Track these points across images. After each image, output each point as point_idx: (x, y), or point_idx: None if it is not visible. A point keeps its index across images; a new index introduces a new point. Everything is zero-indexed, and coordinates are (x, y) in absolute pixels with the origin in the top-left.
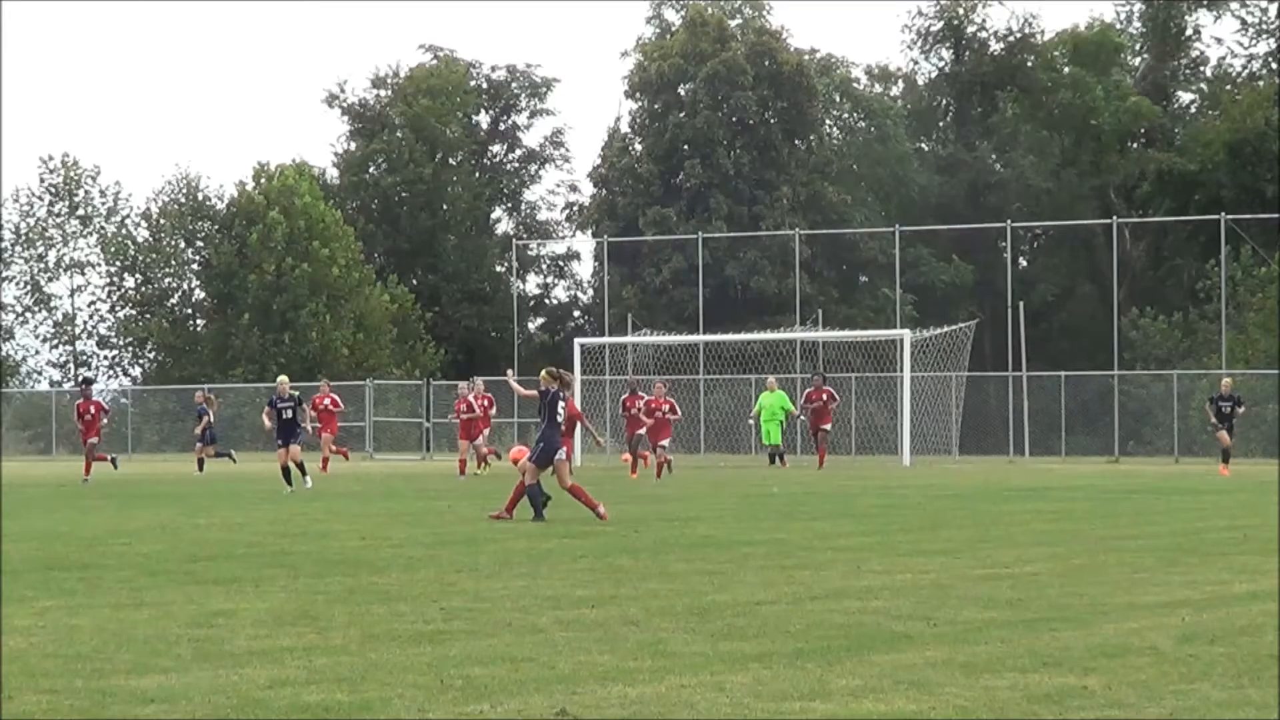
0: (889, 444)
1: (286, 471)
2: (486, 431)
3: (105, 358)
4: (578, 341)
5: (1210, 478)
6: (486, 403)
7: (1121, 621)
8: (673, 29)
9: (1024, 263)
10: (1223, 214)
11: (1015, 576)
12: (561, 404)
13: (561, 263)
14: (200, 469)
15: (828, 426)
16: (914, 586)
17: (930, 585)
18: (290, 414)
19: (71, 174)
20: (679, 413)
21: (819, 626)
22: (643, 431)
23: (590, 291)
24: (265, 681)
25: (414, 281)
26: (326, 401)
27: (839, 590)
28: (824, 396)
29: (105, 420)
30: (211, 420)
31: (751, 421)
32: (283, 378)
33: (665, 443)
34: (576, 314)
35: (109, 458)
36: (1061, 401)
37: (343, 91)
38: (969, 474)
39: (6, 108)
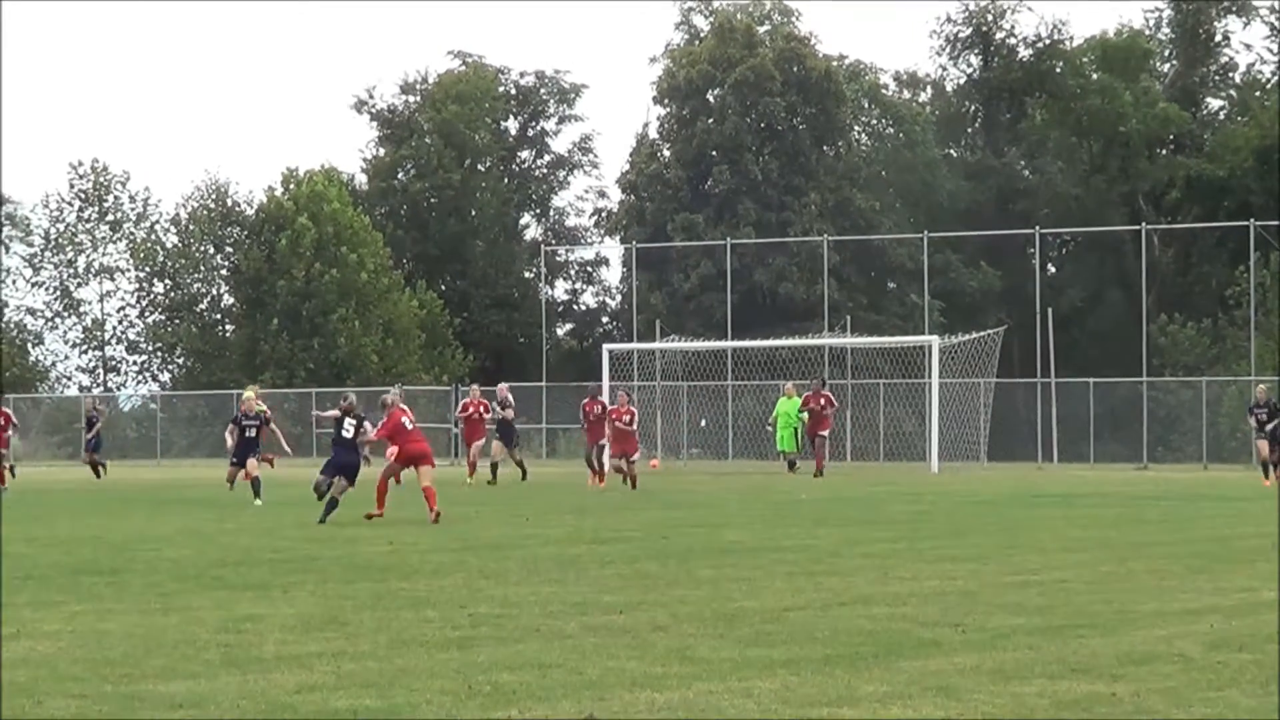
0: (917, 450)
1: (232, 482)
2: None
3: (134, 363)
4: (606, 347)
5: (1240, 485)
6: (483, 409)
7: (1150, 628)
8: (701, 35)
9: (1052, 269)
10: (1252, 220)
11: (1043, 583)
12: (350, 425)
13: (590, 269)
14: (98, 475)
15: (825, 433)
16: (942, 593)
17: (958, 592)
18: (254, 433)
19: (101, 179)
20: (635, 425)
21: (847, 633)
22: (604, 443)
23: (619, 297)
24: (293, 687)
25: (442, 287)
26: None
27: (867, 596)
28: (821, 402)
29: (12, 433)
30: (99, 428)
31: (770, 427)
32: (248, 393)
33: (635, 456)
34: (605, 320)
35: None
36: (1090, 408)
37: (371, 97)
38: (997, 480)
39: (38, 112)
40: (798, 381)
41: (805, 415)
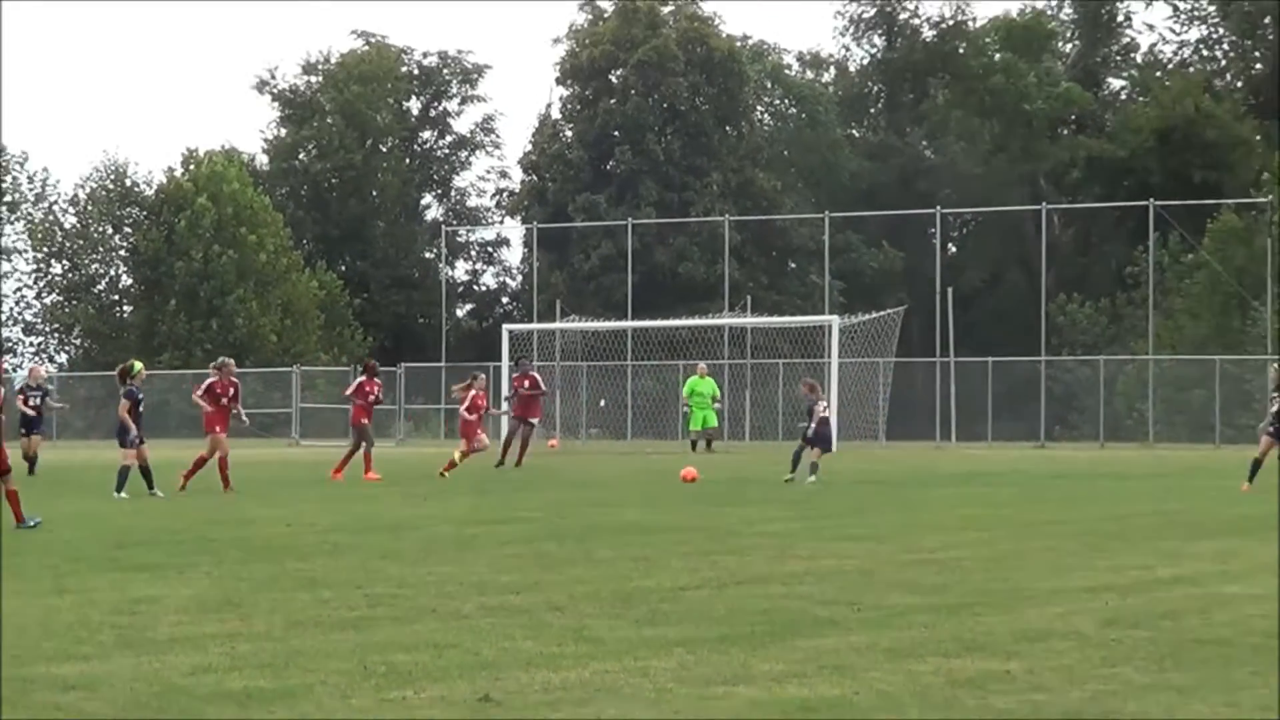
0: None
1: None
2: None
3: (31, 344)
4: (506, 328)
5: (1136, 463)
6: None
7: (1045, 606)
8: (605, 16)
9: (953, 249)
10: (1151, 200)
11: (940, 562)
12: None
13: (491, 249)
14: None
15: (535, 420)
16: (839, 572)
17: (855, 571)
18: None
19: None
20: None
21: (743, 612)
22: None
23: (519, 278)
24: (188, 668)
25: (343, 268)
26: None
27: (764, 575)
28: (526, 384)
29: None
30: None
31: (685, 408)
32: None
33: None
34: (505, 300)
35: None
36: (989, 387)
37: (273, 78)
38: (896, 460)
39: None
40: (708, 361)
41: (509, 399)
